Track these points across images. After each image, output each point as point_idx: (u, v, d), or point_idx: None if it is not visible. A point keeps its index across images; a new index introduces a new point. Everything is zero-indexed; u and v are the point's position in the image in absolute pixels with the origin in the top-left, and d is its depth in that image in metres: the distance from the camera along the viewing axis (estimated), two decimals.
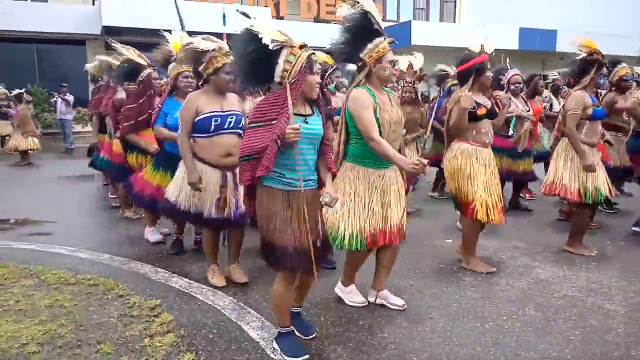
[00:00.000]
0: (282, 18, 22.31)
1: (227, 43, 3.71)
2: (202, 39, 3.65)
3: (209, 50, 3.58)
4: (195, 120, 3.61)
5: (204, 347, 2.88)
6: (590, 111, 4.33)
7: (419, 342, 2.96)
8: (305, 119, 2.67)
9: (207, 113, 3.60)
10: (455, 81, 5.06)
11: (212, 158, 3.67)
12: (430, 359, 2.78)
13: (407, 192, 3.46)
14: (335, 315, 3.30)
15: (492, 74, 4.23)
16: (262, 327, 3.12)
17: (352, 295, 3.48)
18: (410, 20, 21.51)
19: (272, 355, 2.78)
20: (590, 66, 4.34)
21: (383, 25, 3.19)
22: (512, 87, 5.82)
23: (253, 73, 2.68)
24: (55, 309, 3.35)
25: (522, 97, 5.99)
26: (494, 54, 4.46)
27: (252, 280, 3.88)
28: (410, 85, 5.83)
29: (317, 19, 21.88)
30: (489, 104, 4.07)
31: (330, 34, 3.28)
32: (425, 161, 2.85)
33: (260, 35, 2.57)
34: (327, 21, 20.90)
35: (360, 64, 3.18)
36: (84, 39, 19.81)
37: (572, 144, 4.38)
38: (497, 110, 4.19)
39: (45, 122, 16.66)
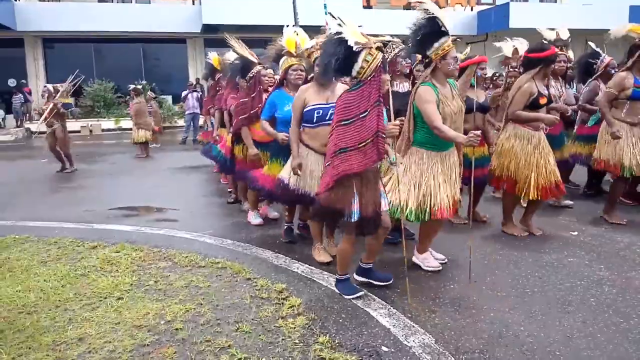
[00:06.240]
0: (371, 7, 22.18)
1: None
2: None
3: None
4: (304, 111, 3.90)
5: (337, 330, 2.94)
6: (630, 92, 4.75)
7: (560, 336, 2.83)
8: None
9: (312, 105, 3.88)
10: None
11: (316, 145, 3.93)
12: (574, 354, 2.65)
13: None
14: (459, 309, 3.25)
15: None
16: (389, 315, 3.13)
17: (428, 261, 3.92)
18: (509, 2, 20.04)
19: (405, 342, 2.79)
20: (636, 49, 4.76)
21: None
22: (611, 70, 5.45)
23: (336, 68, 3.07)
24: (191, 289, 3.57)
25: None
26: (570, 40, 5.26)
27: None
28: (516, 70, 5.62)
29: (406, 7, 21.44)
30: (546, 92, 4.48)
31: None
32: (478, 132, 3.21)
33: (346, 38, 2.99)
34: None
35: (427, 60, 3.56)
36: (184, 37, 20.90)
37: (602, 116, 4.95)
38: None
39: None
